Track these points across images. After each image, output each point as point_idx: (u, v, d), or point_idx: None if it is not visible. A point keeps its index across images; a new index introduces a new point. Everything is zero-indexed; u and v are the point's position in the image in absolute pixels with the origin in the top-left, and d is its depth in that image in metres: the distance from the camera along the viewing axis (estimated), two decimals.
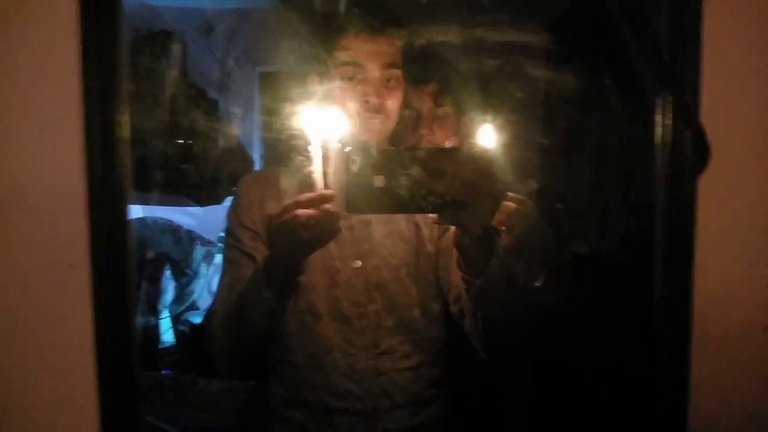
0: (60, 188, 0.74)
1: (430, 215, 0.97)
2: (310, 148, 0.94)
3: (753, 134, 0.77)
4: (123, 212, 0.73)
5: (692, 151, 0.73)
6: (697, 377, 0.76)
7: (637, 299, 0.79)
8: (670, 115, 0.74)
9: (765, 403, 0.77)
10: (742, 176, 0.77)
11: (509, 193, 1.04)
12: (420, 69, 1.29)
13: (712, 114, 0.77)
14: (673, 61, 0.77)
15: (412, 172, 0.88)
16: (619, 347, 1.02)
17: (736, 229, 0.76)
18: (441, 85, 1.33)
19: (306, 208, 0.94)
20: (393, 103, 1.17)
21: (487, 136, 1.02)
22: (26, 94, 0.77)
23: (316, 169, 0.94)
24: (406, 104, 1.31)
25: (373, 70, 1.14)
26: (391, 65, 1.16)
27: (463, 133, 1.33)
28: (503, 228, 1.06)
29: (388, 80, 1.16)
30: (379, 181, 0.89)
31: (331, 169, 0.94)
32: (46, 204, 0.74)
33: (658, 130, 0.76)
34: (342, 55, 1.15)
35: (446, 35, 1.22)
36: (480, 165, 0.91)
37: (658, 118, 0.76)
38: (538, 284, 1.13)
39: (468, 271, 1.05)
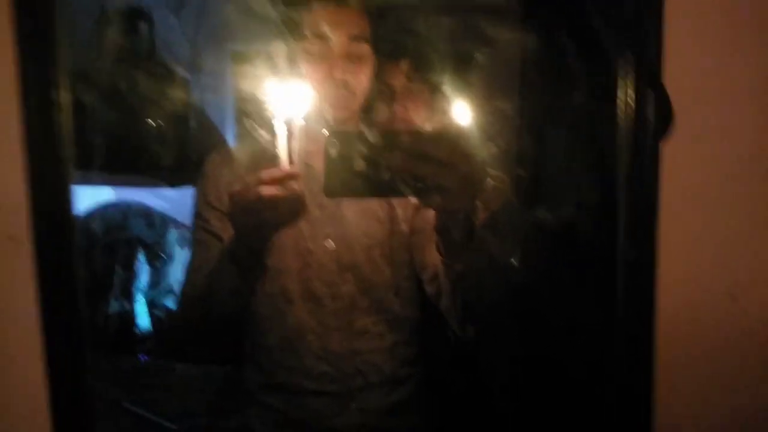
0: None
1: (411, 201, 0.95)
2: (274, 122, 0.90)
3: (716, 97, 0.76)
4: (65, 185, 0.68)
5: (655, 114, 0.72)
6: (663, 344, 0.76)
7: (603, 267, 0.78)
8: (633, 77, 0.72)
9: (730, 371, 0.78)
10: (705, 140, 0.76)
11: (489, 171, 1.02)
12: (392, 43, 1.27)
13: (675, 76, 0.75)
14: (635, 21, 0.75)
15: (393, 155, 0.85)
16: (586, 315, 1.02)
17: (699, 194, 0.75)
18: (413, 60, 1.31)
19: (270, 186, 0.90)
20: (360, 78, 1.14)
21: (463, 112, 1.00)
22: None
23: (281, 146, 0.90)
24: (378, 79, 1.29)
25: (339, 44, 1.11)
26: (358, 38, 1.13)
27: (437, 108, 1.31)
28: (480, 204, 1.05)
29: (356, 54, 1.13)
30: (359, 164, 0.86)
31: (296, 146, 0.91)
32: None
33: (621, 94, 0.74)
34: (307, 28, 1.11)
35: None
36: (461, 149, 0.89)
37: (621, 81, 0.74)
38: (514, 262, 1.12)
39: (448, 256, 1.03)
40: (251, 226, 0.96)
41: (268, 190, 0.90)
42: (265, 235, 1.00)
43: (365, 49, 1.14)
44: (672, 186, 0.73)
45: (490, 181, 1.02)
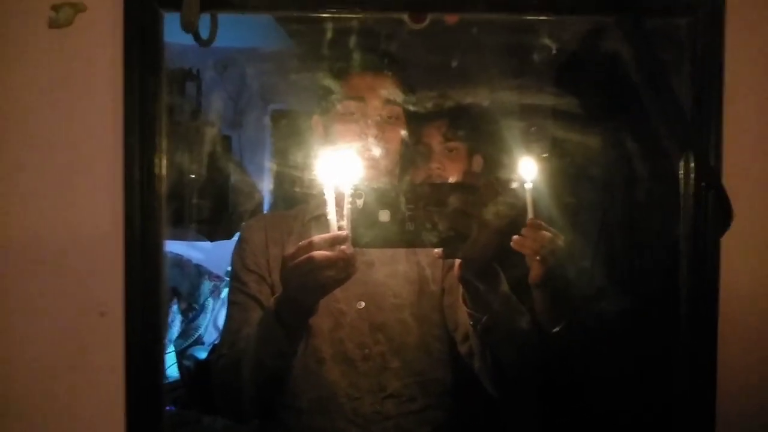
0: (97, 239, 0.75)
1: (434, 252, 0.98)
2: (323, 190, 0.95)
3: None
4: (160, 264, 0.74)
5: (715, 212, 0.75)
6: None
7: (659, 357, 0.80)
8: (693, 177, 0.76)
9: None
10: (765, 236, 0.79)
11: (542, 223, 1.05)
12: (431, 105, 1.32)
13: (734, 175, 0.79)
14: (695, 122, 0.79)
15: (417, 207, 0.89)
16: (637, 399, 1.02)
17: (759, 289, 0.77)
18: (451, 120, 1.36)
19: (321, 249, 0.94)
20: (393, 139, 1.20)
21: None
22: (69, 143, 0.79)
23: (330, 211, 0.94)
24: (416, 139, 1.35)
25: (374, 106, 1.18)
26: (392, 101, 1.20)
27: (473, 169, 1.36)
28: (537, 258, 1.07)
29: (390, 117, 1.20)
30: (384, 215, 0.90)
31: (344, 210, 0.95)
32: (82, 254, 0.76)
33: (681, 191, 0.78)
34: (345, 91, 1.19)
35: (473, 97, 1.25)
36: (483, 199, 0.92)
37: (681, 179, 0.79)
38: (556, 329, 1.13)
39: (473, 307, 1.05)
40: (303, 288, 0.99)
41: (321, 254, 0.94)
42: (315, 297, 1.03)
43: (398, 111, 1.21)
44: (732, 281, 0.76)
45: (547, 234, 1.05)
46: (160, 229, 0.76)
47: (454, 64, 1.23)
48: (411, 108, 1.20)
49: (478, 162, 1.38)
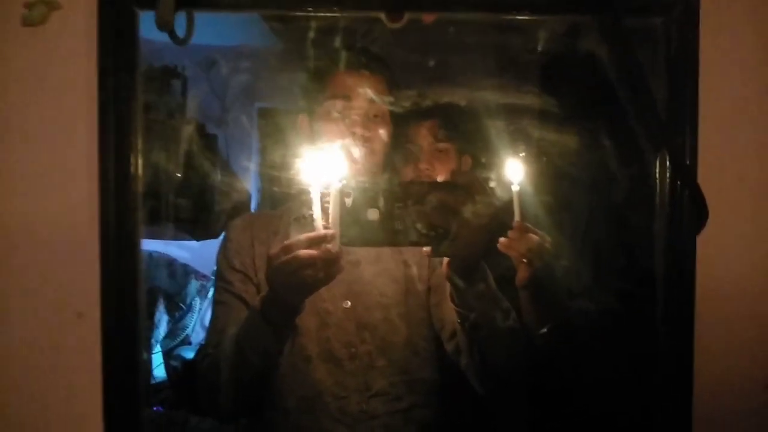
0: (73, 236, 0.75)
1: (423, 251, 0.98)
2: (309, 188, 0.95)
3: (750, 193, 0.80)
4: (137, 261, 0.73)
5: (690, 210, 0.76)
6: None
7: (638, 352, 0.80)
8: (669, 176, 0.77)
9: None
10: (740, 234, 0.79)
11: (529, 226, 1.06)
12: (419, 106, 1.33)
13: (709, 173, 0.80)
14: (670, 121, 0.80)
15: (406, 205, 0.89)
16: (620, 398, 1.03)
17: (735, 288, 0.78)
18: (441, 120, 1.36)
19: (307, 248, 0.95)
20: (379, 137, 1.21)
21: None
22: (43, 142, 0.78)
23: (315, 210, 0.94)
24: (406, 139, 1.35)
25: (359, 105, 1.18)
26: (377, 101, 1.20)
27: (462, 169, 1.36)
28: (524, 260, 1.08)
29: (375, 115, 1.20)
30: (372, 214, 0.90)
31: (329, 209, 0.95)
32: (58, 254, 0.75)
33: (656, 190, 0.79)
34: (331, 90, 1.19)
35: (451, 96, 1.26)
36: (472, 198, 0.93)
37: (656, 178, 0.79)
38: (544, 330, 1.13)
39: (461, 305, 1.06)
40: (288, 286, 1.00)
41: (306, 252, 0.94)
42: (301, 296, 1.04)
43: (383, 109, 1.21)
44: (708, 279, 0.76)
45: (534, 237, 1.06)
46: (137, 227, 0.76)
47: (432, 63, 1.23)
48: (395, 108, 1.21)
49: (467, 162, 1.38)
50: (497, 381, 1.17)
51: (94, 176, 0.76)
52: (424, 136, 1.36)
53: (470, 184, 0.98)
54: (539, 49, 1.06)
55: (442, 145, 1.36)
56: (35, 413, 0.78)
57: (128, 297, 0.74)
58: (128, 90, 0.75)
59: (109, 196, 0.74)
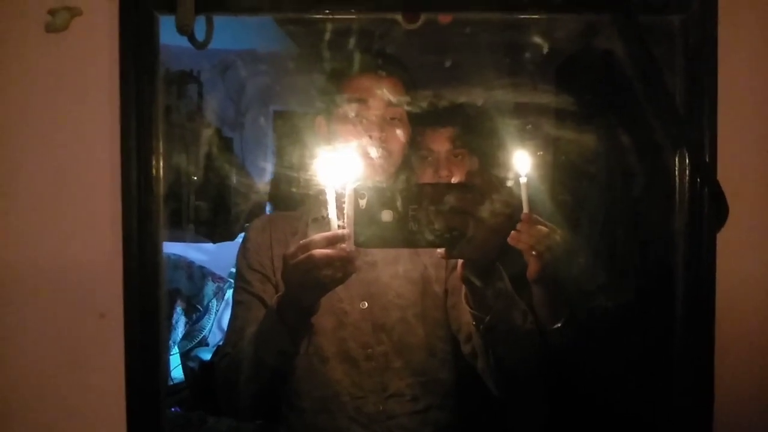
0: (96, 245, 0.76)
1: (437, 252, 0.98)
2: (324, 189, 0.96)
3: None
4: (158, 264, 0.75)
5: (710, 208, 0.75)
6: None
7: (655, 350, 0.80)
8: (688, 174, 0.76)
9: None
10: (760, 231, 0.79)
11: (538, 218, 1.05)
12: (438, 112, 1.33)
13: (729, 170, 0.79)
14: (689, 118, 0.79)
15: (420, 207, 0.89)
16: (637, 393, 1.02)
17: (755, 285, 0.77)
18: (460, 129, 1.36)
19: (321, 248, 0.95)
20: (396, 139, 1.21)
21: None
22: (66, 146, 0.80)
23: (331, 210, 0.95)
24: (423, 145, 1.35)
25: (376, 107, 1.18)
26: (393, 103, 1.20)
27: (472, 169, 1.36)
28: (533, 253, 1.07)
29: (392, 117, 1.20)
30: (387, 215, 0.90)
31: (345, 210, 0.96)
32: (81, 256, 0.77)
33: (676, 188, 0.78)
34: (348, 93, 1.20)
35: (468, 96, 1.25)
36: (487, 199, 0.92)
37: (675, 176, 0.78)
38: (558, 325, 1.13)
39: (476, 307, 1.06)
40: (303, 286, 1.00)
41: (321, 252, 0.95)
42: (315, 295, 1.04)
43: (401, 113, 1.21)
44: (728, 276, 0.76)
45: (543, 229, 1.05)
46: (158, 230, 0.77)
47: (448, 64, 1.23)
48: (412, 108, 1.21)
49: (475, 163, 1.38)
50: (513, 384, 1.16)
51: (116, 178, 0.77)
52: (441, 143, 1.36)
53: (485, 185, 0.98)
54: (556, 47, 1.05)
55: (458, 151, 1.36)
56: (57, 413, 0.79)
57: (150, 298, 0.75)
58: (149, 94, 0.76)
59: (132, 199, 0.75)
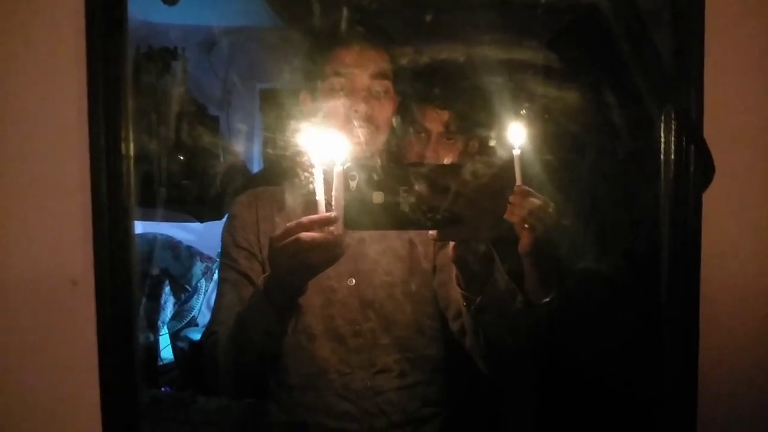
0: (65, 204, 0.74)
1: (429, 234, 0.97)
2: (312, 170, 0.93)
3: (757, 149, 0.78)
4: (128, 229, 0.73)
5: (696, 166, 0.73)
6: (704, 395, 0.76)
7: (642, 316, 0.78)
8: (674, 132, 0.75)
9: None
10: (745, 190, 0.77)
11: (531, 190, 1.04)
12: (432, 92, 1.30)
13: (716, 128, 0.77)
14: (675, 75, 0.77)
15: (412, 188, 0.88)
16: (626, 364, 1.01)
17: (741, 245, 0.76)
18: (455, 113, 1.33)
19: (309, 231, 0.93)
20: (382, 114, 1.18)
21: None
22: (33, 112, 0.77)
23: (318, 191, 0.92)
24: (414, 122, 1.33)
25: (361, 80, 1.16)
26: (380, 75, 1.17)
27: (469, 152, 1.34)
28: (526, 225, 1.06)
29: (378, 91, 1.17)
30: (378, 197, 0.88)
31: (333, 191, 0.93)
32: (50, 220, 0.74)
33: (662, 146, 0.77)
34: (332, 66, 1.16)
35: (449, 53, 1.23)
36: (481, 180, 0.91)
37: (663, 136, 0.77)
38: (546, 300, 1.12)
39: (467, 288, 1.04)
40: (290, 269, 0.98)
41: (308, 235, 0.92)
42: (303, 278, 1.02)
43: (387, 85, 1.18)
44: (713, 236, 0.74)
45: (536, 201, 1.03)
46: (128, 194, 0.75)
47: (429, 18, 1.20)
48: (393, 66, 1.18)
49: (473, 146, 1.36)
50: (501, 361, 1.15)
51: (84, 143, 0.75)
52: (434, 122, 1.33)
53: (478, 166, 0.96)
54: (542, 2, 1.03)
55: (452, 135, 1.34)
56: (32, 381, 0.77)
57: (122, 264, 0.73)
58: (117, 49, 0.73)
59: (100, 162, 0.73)
